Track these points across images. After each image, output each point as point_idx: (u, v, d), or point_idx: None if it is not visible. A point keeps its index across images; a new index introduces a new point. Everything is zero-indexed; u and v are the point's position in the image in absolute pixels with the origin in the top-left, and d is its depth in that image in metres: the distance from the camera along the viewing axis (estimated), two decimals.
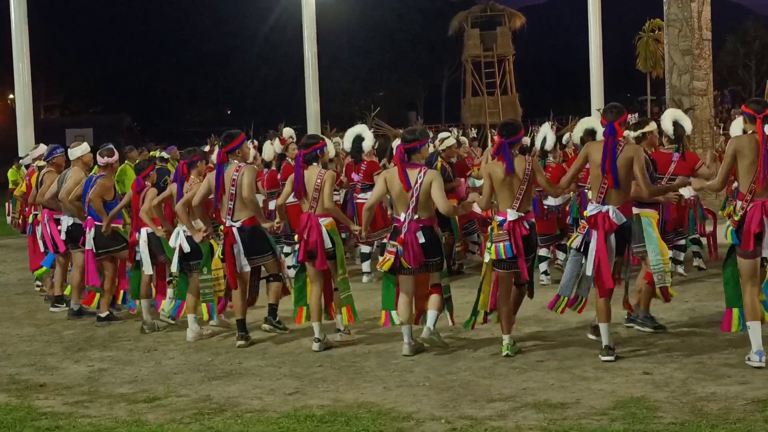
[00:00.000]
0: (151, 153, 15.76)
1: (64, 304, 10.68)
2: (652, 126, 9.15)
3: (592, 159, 7.60)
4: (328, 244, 8.34)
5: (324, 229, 8.34)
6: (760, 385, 6.65)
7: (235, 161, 8.68)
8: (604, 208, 7.50)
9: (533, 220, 7.90)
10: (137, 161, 11.94)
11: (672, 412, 6.11)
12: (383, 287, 8.24)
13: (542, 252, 11.05)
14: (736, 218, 7.25)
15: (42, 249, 11.37)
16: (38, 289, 12.31)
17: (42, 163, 11.47)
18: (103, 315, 9.85)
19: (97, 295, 9.97)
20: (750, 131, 7.26)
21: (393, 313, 8.10)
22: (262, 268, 8.95)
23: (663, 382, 6.83)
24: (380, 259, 8.71)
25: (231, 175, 8.59)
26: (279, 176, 12.33)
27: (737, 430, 5.73)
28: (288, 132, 14.29)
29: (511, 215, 7.71)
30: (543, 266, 11.19)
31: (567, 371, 7.23)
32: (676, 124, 10.30)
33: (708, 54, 18.27)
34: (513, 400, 6.53)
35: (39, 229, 11.25)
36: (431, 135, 12.22)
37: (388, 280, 8.16)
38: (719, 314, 8.51)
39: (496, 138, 8.14)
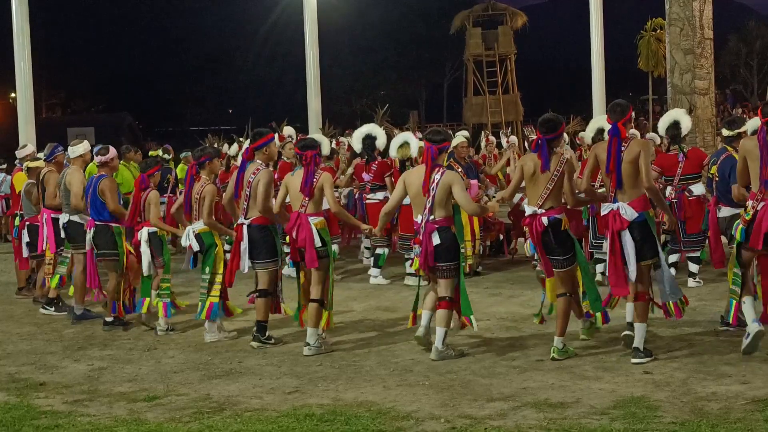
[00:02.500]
0: (150, 153, 15.62)
1: (54, 308, 10.51)
2: (747, 126, 9.12)
3: (600, 159, 7.49)
4: (318, 242, 8.17)
5: (314, 228, 8.19)
6: (760, 384, 6.64)
7: (258, 161, 8.56)
8: (615, 206, 7.40)
9: (558, 216, 7.54)
10: (142, 161, 11.65)
11: (672, 411, 6.10)
12: (461, 294, 7.90)
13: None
14: (747, 217, 7.26)
15: (26, 253, 11.23)
16: (19, 291, 11.93)
17: (36, 163, 11.29)
18: (109, 319, 9.62)
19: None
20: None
21: (472, 318, 7.91)
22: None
23: (663, 381, 6.82)
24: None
25: (249, 176, 8.49)
26: (276, 174, 12.23)
27: (738, 429, 5.72)
28: (288, 131, 14.26)
29: (528, 210, 7.62)
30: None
31: (567, 371, 7.22)
32: (673, 125, 10.34)
33: (710, 53, 18.27)
34: (513, 400, 6.52)
35: (25, 232, 11.14)
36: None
37: (464, 285, 7.92)
38: (719, 314, 8.51)
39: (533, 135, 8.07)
